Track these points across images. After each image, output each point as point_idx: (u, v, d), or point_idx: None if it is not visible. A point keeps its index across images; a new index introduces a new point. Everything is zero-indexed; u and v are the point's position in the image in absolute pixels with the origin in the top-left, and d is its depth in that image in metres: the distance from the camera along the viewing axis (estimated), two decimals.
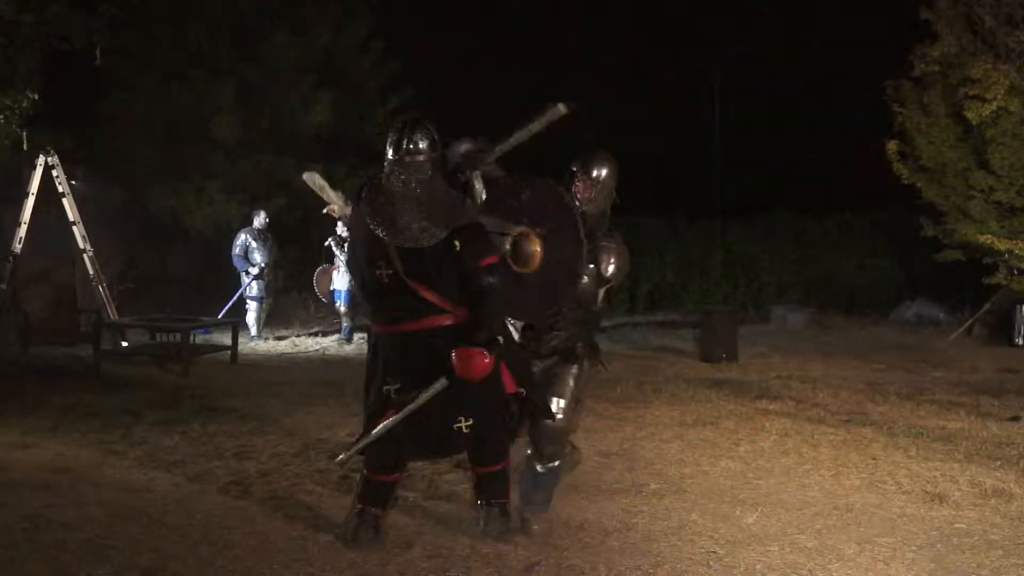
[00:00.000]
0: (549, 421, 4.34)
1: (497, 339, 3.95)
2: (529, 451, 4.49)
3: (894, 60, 11.93)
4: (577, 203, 4.42)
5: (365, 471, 4.18)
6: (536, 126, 4.13)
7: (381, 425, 4.00)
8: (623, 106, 22.94)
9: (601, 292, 4.53)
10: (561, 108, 4.08)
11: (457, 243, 3.97)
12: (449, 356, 3.88)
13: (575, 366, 4.46)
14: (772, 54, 22.57)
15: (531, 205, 4.23)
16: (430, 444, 4.16)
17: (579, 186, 4.47)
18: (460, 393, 3.96)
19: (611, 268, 4.48)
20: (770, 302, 15.34)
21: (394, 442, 4.05)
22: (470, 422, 4.04)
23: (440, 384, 3.91)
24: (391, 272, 3.99)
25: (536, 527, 4.28)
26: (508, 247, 4.16)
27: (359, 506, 4.14)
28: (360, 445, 4.11)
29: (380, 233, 3.98)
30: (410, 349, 4.05)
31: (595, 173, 4.47)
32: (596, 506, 4.72)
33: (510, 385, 4.16)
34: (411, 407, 3.94)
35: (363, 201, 4.10)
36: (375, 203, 4.05)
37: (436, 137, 4.08)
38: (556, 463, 4.47)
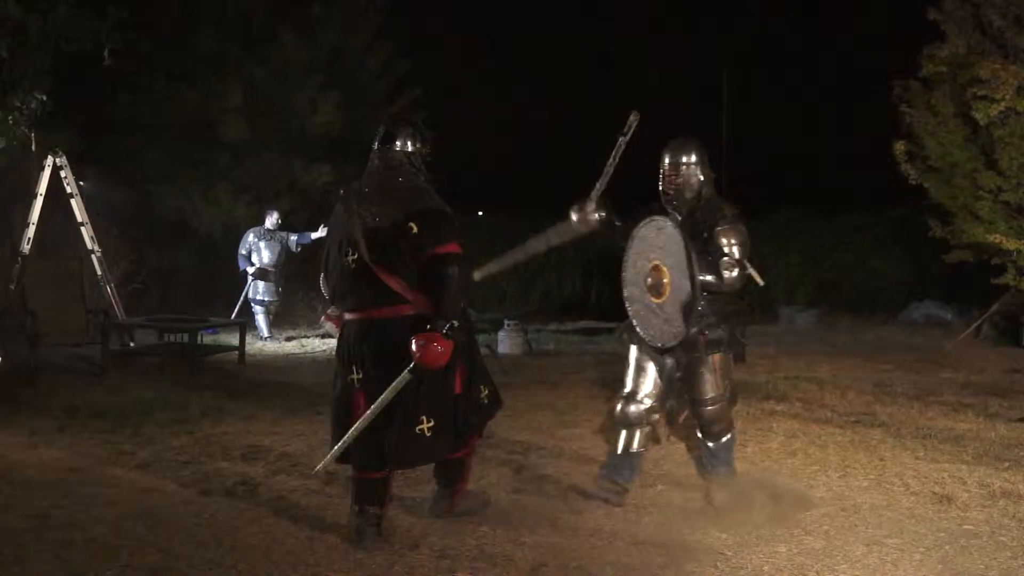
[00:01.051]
0: (707, 407, 4.76)
1: (453, 324, 3.95)
2: (698, 434, 4.94)
3: (902, 60, 11.90)
4: (671, 192, 4.80)
5: (353, 472, 4.21)
6: (623, 140, 4.59)
7: (352, 429, 4.04)
8: (627, 106, 22.94)
9: (735, 272, 4.70)
10: (633, 118, 4.59)
11: (413, 226, 4.02)
12: (410, 346, 3.91)
13: (709, 355, 4.74)
14: (781, 54, 22.57)
15: (657, 241, 4.53)
16: (395, 450, 4.12)
17: (667, 175, 4.80)
18: (419, 392, 4.01)
19: (736, 249, 4.69)
20: (778, 303, 15.31)
21: (374, 438, 4.06)
22: (431, 423, 4.07)
23: (403, 378, 3.94)
24: (356, 256, 4.08)
25: (719, 498, 4.72)
26: (647, 282, 4.53)
27: (356, 507, 4.16)
28: (336, 452, 4.13)
29: (346, 217, 4.13)
30: (373, 337, 4.10)
31: (683, 159, 4.79)
32: (603, 507, 4.71)
33: (458, 387, 4.20)
34: (376, 406, 3.97)
35: (344, 192, 4.29)
36: (349, 191, 4.25)
37: (418, 134, 4.28)
38: (726, 437, 4.87)
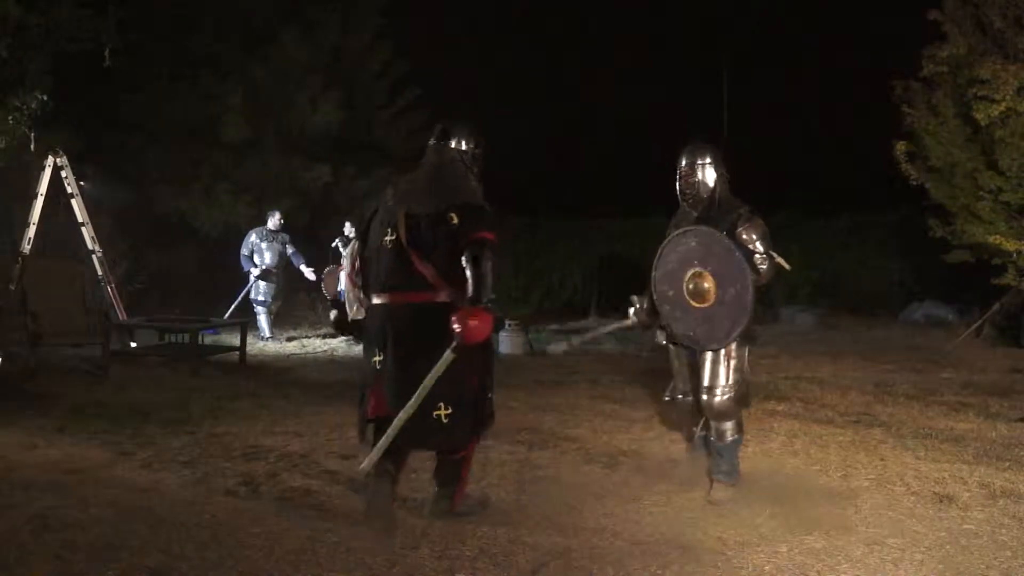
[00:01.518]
0: (716, 397, 4.90)
1: (492, 298, 4.07)
2: (704, 431, 5.12)
3: (903, 60, 11.91)
4: (688, 191, 5.10)
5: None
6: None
7: (395, 422, 4.08)
8: (626, 105, 22.94)
9: (765, 265, 4.95)
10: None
11: (454, 216, 4.18)
12: (437, 332, 4.01)
13: (722, 349, 4.87)
14: (781, 53, 22.54)
15: (700, 250, 4.83)
16: (410, 432, 4.17)
17: (684, 174, 5.11)
18: (441, 379, 4.06)
19: (759, 243, 4.94)
20: (779, 303, 15.32)
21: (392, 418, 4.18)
22: (449, 411, 4.16)
23: (446, 358, 4.00)
24: (394, 238, 4.23)
25: (720, 496, 4.85)
26: (688, 287, 4.80)
27: (376, 468, 4.23)
28: (380, 450, 4.15)
29: (391, 201, 4.33)
30: (397, 321, 4.22)
31: (699, 160, 5.10)
32: (605, 507, 4.72)
33: (474, 382, 4.29)
34: (420, 392, 4.02)
35: (395, 182, 4.53)
36: (400, 179, 4.49)
37: (470, 138, 4.55)
38: (731, 439, 4.98)
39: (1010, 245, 10.53)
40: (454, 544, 4.13)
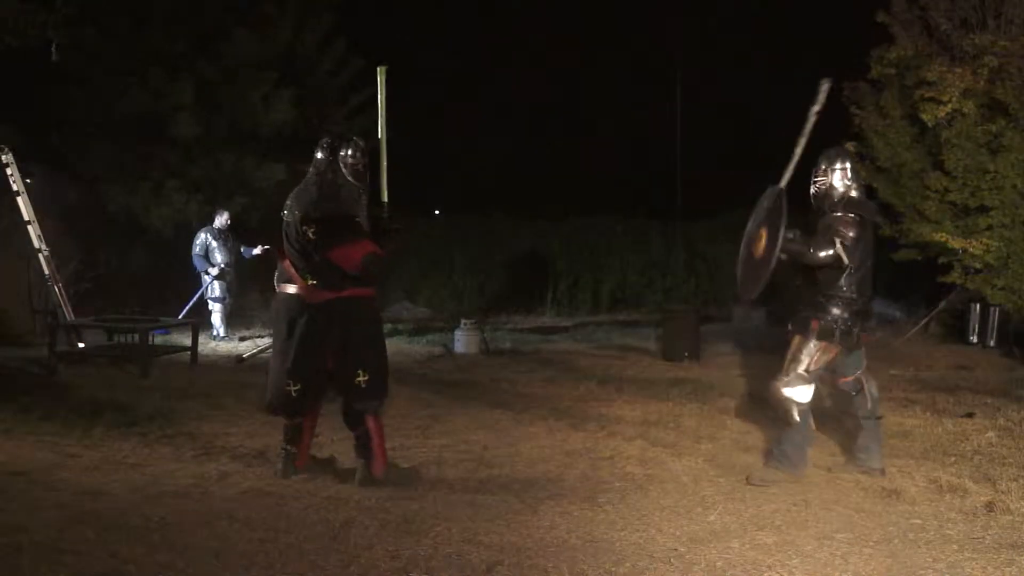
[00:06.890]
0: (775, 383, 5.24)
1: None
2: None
3: (852, 62, 12.09)
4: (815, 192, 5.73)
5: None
6: (816, 108, 5.19)
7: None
8: (585, 107, 23.03)
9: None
10: (825, 84, 5.15)
11: (309, 232, 4.81)
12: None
13: (803, 339, 5.23)
14: (734, 52, 22.81)
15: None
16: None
17: (814, 178, 5.71)
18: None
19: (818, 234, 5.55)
20: (732, 301, 15.45)
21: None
22: (298, 387, 4.96)
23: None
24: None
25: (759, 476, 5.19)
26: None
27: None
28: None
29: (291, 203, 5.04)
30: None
31: (822, 166, 5.70)
32: (559, 505, 4.73)
33: (329, 363, 4.96)
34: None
35: None
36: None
37: (324, 149, 5.05)
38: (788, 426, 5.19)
39: (956, 244, 10.73)
40: (408, 543, 4.11)
